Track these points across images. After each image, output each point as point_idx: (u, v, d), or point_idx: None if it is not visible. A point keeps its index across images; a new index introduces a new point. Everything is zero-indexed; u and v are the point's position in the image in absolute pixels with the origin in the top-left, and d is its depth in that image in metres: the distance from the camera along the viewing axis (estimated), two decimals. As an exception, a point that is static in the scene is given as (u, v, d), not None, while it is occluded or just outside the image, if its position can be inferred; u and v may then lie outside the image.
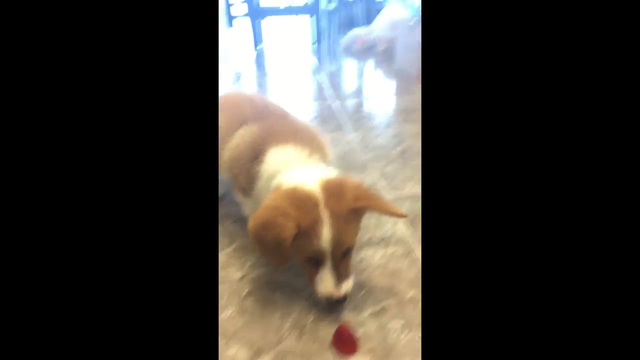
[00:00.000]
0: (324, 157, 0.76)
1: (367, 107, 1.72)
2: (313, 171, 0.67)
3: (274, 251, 0.60)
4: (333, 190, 0.62)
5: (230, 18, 3.62)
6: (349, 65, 2.61)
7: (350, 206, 0.61)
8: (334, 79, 2.20)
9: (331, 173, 0.69)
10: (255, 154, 0.73)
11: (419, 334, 0.63)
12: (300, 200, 0.60)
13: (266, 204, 0.62)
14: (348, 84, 2.13)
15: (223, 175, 0.83)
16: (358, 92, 1.96)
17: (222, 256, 0.82)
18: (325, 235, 0.59)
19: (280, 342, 0.62)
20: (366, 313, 0.67)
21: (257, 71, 2.55)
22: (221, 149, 0.82)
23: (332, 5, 3.43)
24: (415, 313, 0.66)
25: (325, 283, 0.62)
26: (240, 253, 0.82)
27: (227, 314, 0.68)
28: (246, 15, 3.38)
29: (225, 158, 0.81)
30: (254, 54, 3.14)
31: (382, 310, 0.67)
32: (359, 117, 1.60)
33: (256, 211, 0.61)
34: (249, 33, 3.45)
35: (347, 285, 0.64)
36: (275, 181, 0.68)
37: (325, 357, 0.59)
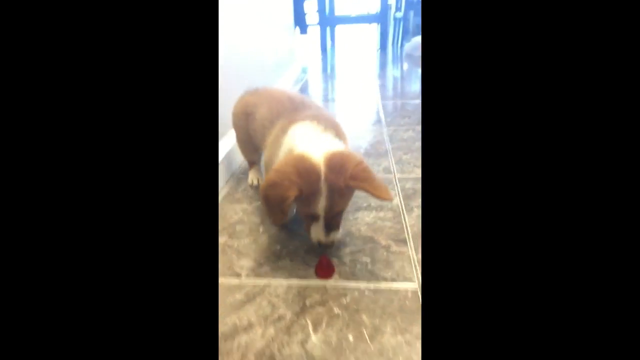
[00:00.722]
0: (338, 135, 0.84)
1: (411, 107, 1.86)
2: (321, 142, 0.77)
3: (277, 208, 0.70)
4: (334, 165, 0.71)
5: (305, 26, 3.95)
6: (412, 70, 2.75)
7: (346, 183, 0.70)
8: (395, 83, 2.37)
9: (338, 146, 0.77)
10: (283, 130, 0.86)
11: (379, 265, 0.79)
12: (305, 170, 0.70)
13: (276, 168, 0.72)
14: (408, 87, 2.28)
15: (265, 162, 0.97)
16: (415, 95, 2.11)
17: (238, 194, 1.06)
18: (322, 203, 0.72)
19: (277, 261, 0.84)
20: (346, 251, 0.85)
21: (322, 73, 2.81)
22: (266, 136, 0.95)
23: (400, 14, 3.58)
24: (384, 256, 0.83)
25: (318, 232, 0.77)
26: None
27: (244, 241, 0.91)
28: (319, 23, 3.68)
29: (267, 144, 0.93)
30: (320, 56, 3.41)
31: (358, 251, 0.85)
32: (397, 115, 1.75)
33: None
34: (319, 39, 3.74)
35: (335, 235, 0.79)
36: (289, 148, 0.80)
37: (308, 274, 0.79)
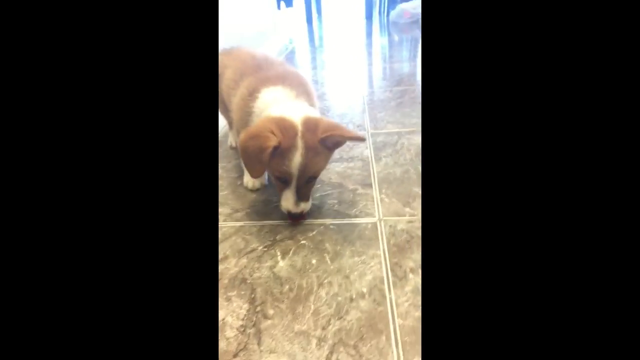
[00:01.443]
0: (309, 101, 0.87)
1: (392, 71, 1.91)
2: (297, 108, 0.79)
3: (256, 159, 0.71)
4: (310, 125, 0.74)
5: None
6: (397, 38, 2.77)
7: (319, 137, 0.72)
8: (382, 50, 2.40)
9: (312, 112, 0.80)
10: (250, 94, 0.85)
11: (345, 205, 0.87)
12: (283, 126, 0.72)
13: (256, 123, 0.76)
14: (393, 53, 2.31)
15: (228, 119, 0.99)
16: (397, 59, 2.14)
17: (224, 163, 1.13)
18: (296, 160, 0.72)
19: (252, 207, 0.91)
20: (316, 195, 0.93)
21: (309, 43, 2.83)
22: (231, 97, 0.94)
23: (385, -19, 3.55)
24: (350, 198, 0.91)
25: (288, 200, 0.79)
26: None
27: (222, 193, 0.98)
28: (302, -6, 3.65)
29: (233, 107, 0.93)
30: (306, 27, 3.41)
31: (327, 195, 0.93)
32: (379, 78, 1.80)
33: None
34: (305, 11, 3.72)
35: (305, 206, 0.80)
36: (265, 113, 0.80)
37: (280, 216, 0.87)
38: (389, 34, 2.87)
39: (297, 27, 3.54)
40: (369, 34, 2.98)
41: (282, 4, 3.88)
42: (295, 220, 0.84)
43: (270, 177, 0.86)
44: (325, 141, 0.75)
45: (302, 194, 0.79)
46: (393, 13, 3.32)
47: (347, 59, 2.24)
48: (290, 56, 2.47)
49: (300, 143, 0.73)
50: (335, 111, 1.45)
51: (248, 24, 1.91)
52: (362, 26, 3.32)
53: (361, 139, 0.75)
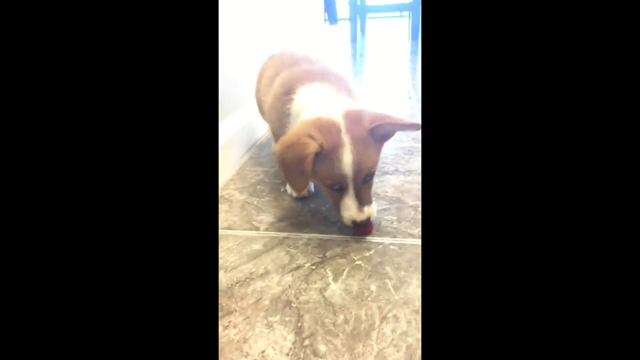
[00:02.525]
0: (351, 96, 0.78)
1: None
2: (336, 104, 0.70)
3: (297, 171, 0.63)
4: (353, 117, 0.66)
5: (335, 17, 3.92)
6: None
7: (368, 128, 0.65)
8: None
9: (353, 104, 0.71)
10: (286, 92, 0.77)
11: (405, 223, 0.74)
12: (323, 126, 0.64)
13: (292, 130, 0.67)
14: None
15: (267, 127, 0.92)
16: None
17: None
18: (347, 158, 0.63)
19: (297, 217, 0.80)
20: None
21: (351, 58, 2.77)
22: (266, 96, 0.86)
23: (433, 2, 3.47)
24: (411, 215, 0.77)
25: (350, 209, 0.66)
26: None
27: (264, 199, 0.88)
28: (349, 13, 3.63)
29: (267, 108, 0.84)
30: (350, 47, 3.37)
31: (383, 210, 0.80)
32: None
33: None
34: (350, 30, 3.70)
35: (370, 210, 0.67)
36: (302, 116, 0.71)
37: (329, 229, 0.75)
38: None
39: (340, 45, 3.51)
40: (414, 52, 2.88)
41: (326, 22, 3.88)
42: (363, 231, 0.71)
43: (321, 188, 0.74)
44: (375, 132, 0.65)
45: (364, 197, 0.67)
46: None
47: (391, 75, 2.14)
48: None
49: (346, 139, 0.63)
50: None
51: (293, 39, 1.86)
52: (407, 46, 3.23)
53: (416, 126, 0.65)
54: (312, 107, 0.71)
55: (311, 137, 0.62)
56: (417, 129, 0.65)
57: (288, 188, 0.89)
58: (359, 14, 3.76)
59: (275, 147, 0.65)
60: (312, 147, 0.61)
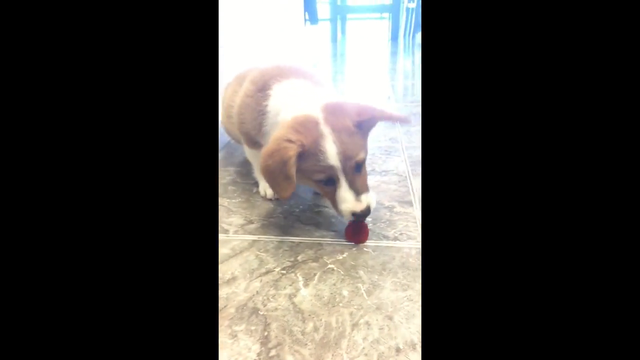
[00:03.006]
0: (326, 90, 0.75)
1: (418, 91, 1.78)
2: (313, 99, 0.67)
3: (281, 177, 0.61)
4: (333, 109, 0.64)
5: (315, 17, 3.90)
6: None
7: (355, 120, 0.63)
8: (406, 68, 2.29)
9: (331, 97, 0.69)
10: (260, 89, 0.73)
11: (381, 225, 0.72)
12: (300, 124, 0.62)
13: (271, 139, 0.64)
14: (418, 72, 2.20)
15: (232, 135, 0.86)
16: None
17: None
18: (330, 149, 0.61)
19: (269, 219, 0.77)
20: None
21: (331, 58, 2.75)
22: (233, 99, 0.82)
23: (412, 5, 3.50)
24: (387, 216, 0.75)
25: (346, 201, 0.63)
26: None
27: (235, 200, 0.84)
28: (330, 14, 3.62)
29: (236, 109, 0.79)
30: (330, 47, 3.35)
31: (359, 211, 0.78)
32: (407, 94, 1.68)
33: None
34: (330, 30, 3.68)
35: (368, 199, 0.64)
36: (281, 115, 0.68)
37: (302, 232, 0.72)
38: (414, 55, 2.77)
39: (321, 45, 3.49)
40: (394, 53, 2.89)
41: (307, 22, 3.86)
42: (358, 239, 0.67)
43: (315, 187, 0.70)
44: (362, 124, 0.65)
45: (359, 187, 0.64)
46: (419, 36, 3.24)
47: (370, 76, 2.13)
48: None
49: (326, 130, 0.62)
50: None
51: (273, 38, 1.82)
52: (387, 47, 3.24)
53: (405, 120, 0.66)
54: (290, 105, 0.68)
55: (289, 140, 0.60)
56: (407, 122, 0.64)
57: (261, 189, 0.85)
58: (339, 14, 3.75)
59: (260, 162, 0.63)
60: (292, 149, 0.60)
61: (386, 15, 4.87)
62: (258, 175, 0.87)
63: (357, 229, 0.68)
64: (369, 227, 0.71)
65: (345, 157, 0.62)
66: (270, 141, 0.63)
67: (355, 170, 0.64)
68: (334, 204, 0.66)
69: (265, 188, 0.84)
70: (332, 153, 0.61)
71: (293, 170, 0.60)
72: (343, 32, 4.05)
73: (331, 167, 0.62)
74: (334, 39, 3.69)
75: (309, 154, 0.61)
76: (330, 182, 0.64)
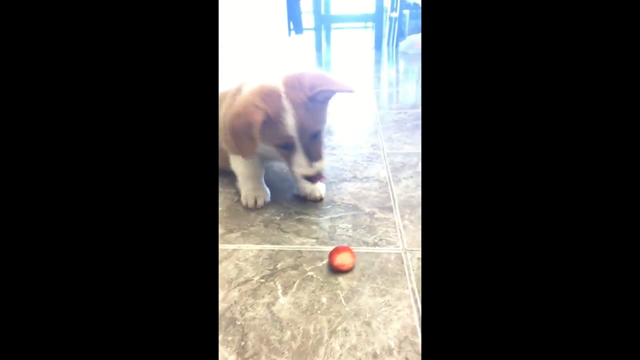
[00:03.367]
0: None
1: (403, 96, 1.81)
2: (275, 71, 0.74)
3: (246, 137, 0.68)
4: (293, 83, 0.70)
5: (300, 26, 3.93)
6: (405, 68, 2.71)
7: (308, 94, 0.68)
8: (389, 76, 2.32)
9: (293, 70, 0.74)
10: (237, 92, 0.79)
11: (361, 231, 0.72)
12: (265, 94, 0.69)
13: (238, 100, 0.71)
14: (401, 80, 2.23)
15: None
16: (407, 87, 2.05)
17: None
18: (290, 121, 0.68)
19: (249, 227, 0.76)
20: (326, 217, 0.78)
21: (316, 67, 2.77)
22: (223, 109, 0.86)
23: (395, 14, 3.56)
24: (367, 222, 0.76)
25: (299, 165, 0.72)
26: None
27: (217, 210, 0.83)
28: (314, 22, 3.66)
29: (224, 123, 0.82)
30: (315, 56, 3.38)
31: (339, 217, 0.78)
32: (391, 101, 1.70)
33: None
34: (315, 39, 3.72)
35: (320, 165, 0.72)
36: (247, 86, 0.74)
37: (282, 239, 0.71)
38: (397, 63, 2.81)
39: (306, 54, 3.51)
40: (378, 61, 2.93)
41: (292, 32, 3.89)
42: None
43: (274, 148, 0.75)
44: (316, 98, 0.70)
45: (313, 153, 0.72)
46: (402, 44, 3.30)
47: (355, 83, 2.15)
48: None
49: (287, 104, 0.68)
50: (345, 130, 1.33)
51: (258, 48, 1.83)
52: (371, 55, 3.28)
53: (351, 90, 0.70)
54: (256, 75, 0.76)
55: (256, 106, 0.67)
56: (353, 91, 0.70)
57: (243, 199, 0.85)
58: (323, 23, 3.79)
59: (225, 118, 0.70)
60: (259, 115, 0.66)
61: (370, 24, 4.95)
62: (241, 184, 0.87)
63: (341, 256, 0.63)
64: (349, 234, 0.71)
65: (301, 129, 0.69)
66: (239, 102, 0.70)
67: (311, 139, 0.71)
68: (290, 165, 0.74)
69: (247, 197, 0.84)
70: (291, 125, 0.69)
71: (257, 133, 0.67)
72: (328, 41, 4.09)
73: (289, 137, 0.70)
74: (319, 48, 3.73)
75: (271, 122, 0.68)
76: (287, 147, 0.72)
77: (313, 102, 0.70)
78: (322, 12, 3.72)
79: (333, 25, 4.27)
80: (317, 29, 3.66)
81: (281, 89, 0.69)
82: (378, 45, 3.67)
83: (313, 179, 0.74)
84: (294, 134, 0.70)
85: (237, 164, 0.86)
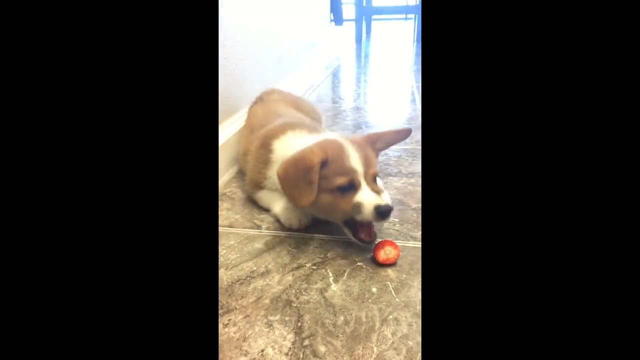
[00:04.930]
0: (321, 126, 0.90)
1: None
2: (315, 138, 0.73)
3: (303, 181, 0.64)
4: (353, 139, 0.72)
5: (341, 18, 3.91)
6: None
7: (377, 148, 0.76)
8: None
9: (331, 135, 0.75)
10: (263, 147, 0.80)
11: (408, 226, 0.74)
12: (321, 142, 0.69)
13: (292, 155, 0.68)
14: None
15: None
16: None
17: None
18: (354, 155, 0.66)
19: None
20: (372, 211, 0.80)
21: (355, 59, 2.77)
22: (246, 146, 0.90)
23: (439, 5, 3.47)
24: (413, 218, 0.77)
25: (369, 198, 0.64)
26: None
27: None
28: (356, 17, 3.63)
29: (247, 156, 0.87)
30: (354, 48, 3.37)
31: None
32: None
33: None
34: (355, 31, 3.69)
35: (387, 198, 0.69)
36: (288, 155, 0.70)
37: (332, 230, 0.74)
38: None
39: (345, 45, 3.51)
40: (419, 54, 2.88)
41: (332, 23, 3.88)
42: (387, 260, 0.64)
43: (328, 204, 0.68)
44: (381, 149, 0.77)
45: (377, 191, 0.67)
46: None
47: (394, 77, 2.14)
48: (336, 72, 2.40)
49: (346, 143, 0.69)
50: (387, 126, 1.33)
51: (300, 35, 1.85)
52: (412, 48, 3.23)
53: (409, 130, 0.77)
54: (295, 146, 0.72)
55: (312, 151, 0.66)
56: (410, 131, 0.75)
57: (283, 220, 0.76)
58: (364, 15, 3.76)
59: (279, 172, 0.66)
60: (318, 155, 0.65)
61: (411, 16, 4.84)
62: (278, 212, 0.78)
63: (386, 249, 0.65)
64: (396, 228, 0.73)
65: (366, 164, 0.67)
66: (295, 153, 0.67)
67: (373, 180, 0.69)
68: (354, 208, 0.65)
69: (289, 219, 0.75)
70: (355, 157, 0.67)
71: (316, 177, 0.64)
72: (368, 32, 4.05)
73: (354, 171, 0.66)
74: (359, 40, 3.70)
75: (331, 162, 0.66)
76: (350, 188, 0.65)
77: (371, 147, 0.73)
78: (364, 3, 3.68)
79: (374, 16, 4.22)
80: (358, 21, 3.64)
81: (339, 138, 0.71)
82: (419, 38, 3.59)
83: (386, 210, 0.63)
84: (358, 167, 0.66)
85: (262, 196, 0.82)
